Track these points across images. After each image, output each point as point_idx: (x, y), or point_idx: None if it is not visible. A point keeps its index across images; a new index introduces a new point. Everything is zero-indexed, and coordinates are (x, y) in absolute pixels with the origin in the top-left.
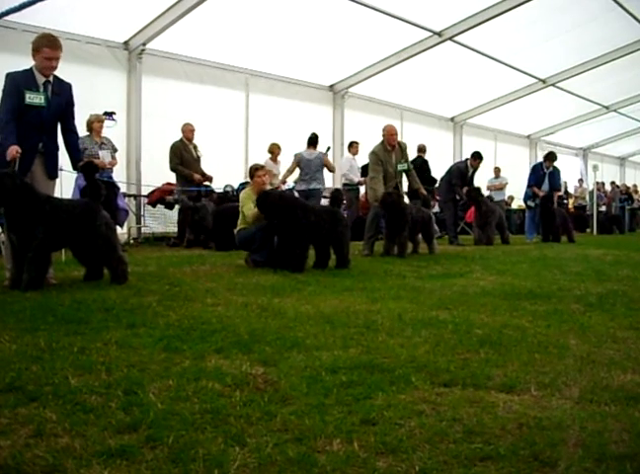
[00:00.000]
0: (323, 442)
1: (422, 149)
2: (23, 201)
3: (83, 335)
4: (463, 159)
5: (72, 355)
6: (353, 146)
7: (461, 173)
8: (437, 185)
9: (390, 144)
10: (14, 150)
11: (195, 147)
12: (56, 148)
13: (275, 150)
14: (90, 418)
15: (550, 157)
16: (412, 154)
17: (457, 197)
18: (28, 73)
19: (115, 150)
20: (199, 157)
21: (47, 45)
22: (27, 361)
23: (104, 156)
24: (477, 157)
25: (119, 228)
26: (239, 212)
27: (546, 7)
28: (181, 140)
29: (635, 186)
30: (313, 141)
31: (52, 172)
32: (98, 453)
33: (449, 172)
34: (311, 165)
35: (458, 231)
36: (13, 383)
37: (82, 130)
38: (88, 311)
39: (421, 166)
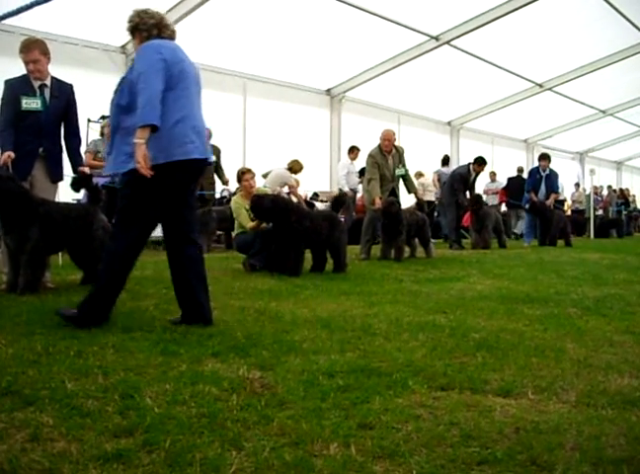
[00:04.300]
0: (320, 447)
1: (521, 170)
2: (16, 204)
3: (80, 339)
4: (465, 163)
5: (69, 358)
6: (353, 151)
7: (463, 178)
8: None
9: (385, 149)
10: (6, 155)
11: (211, 150)
12: (59, 151)
13: (295, 167)
14: (86, 422)
15: (544, 157)
16: (410, 158)
17: (460, 202)
18: (24, 78)
19: None
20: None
21: (20, 51)
22: (23, 365)
23: None
24: (481, 163)
25: None
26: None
27: (543, 12)
28: None
29: (628, 190)
30: (447, 161)
31: (55, 175)
32: (94, 458)
33: (452, 176)
34: None
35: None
36: (9, 387)
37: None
38: None
39: (519, 184)
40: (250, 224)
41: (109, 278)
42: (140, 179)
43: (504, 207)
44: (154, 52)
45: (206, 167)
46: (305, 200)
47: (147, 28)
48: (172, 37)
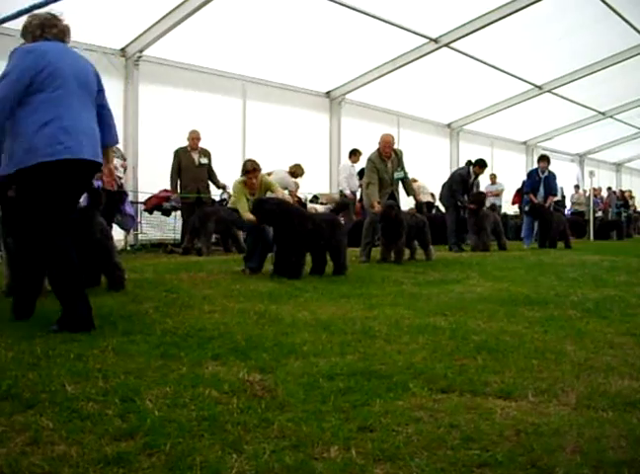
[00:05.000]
0: (320, 449)
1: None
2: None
3: (79, 342)
4: (464, 165)
5: (69, 362)
6: (355, 154)
7: (462, 179)
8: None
9: (385, 154)
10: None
11: (201, 154)
12: None
13: (297, 171)
14: (87, 425)
15: (543, 159)
16: (410, 160)
17: (459, 204)
18: None
19: (123, 159)
20: (201, 164)
21: None
22: (23, 369)
23: (116, 164)
24: (482, 165)
25: (116, 235)
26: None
27: (542, 14)
28: (185, 147)
29: (630, 192)
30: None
31: None
32: (94, 461)
33: (451, 177)
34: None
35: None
36: (9, 391)
37: None
38: None
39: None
40: (248, 216)
41: (64, 284)
42: (20, 184)
43: (503, 209)
44: (18, 58)
45: (197, 170)
46: (299, 202)
47: (32, 29)
48: (58, 36)
